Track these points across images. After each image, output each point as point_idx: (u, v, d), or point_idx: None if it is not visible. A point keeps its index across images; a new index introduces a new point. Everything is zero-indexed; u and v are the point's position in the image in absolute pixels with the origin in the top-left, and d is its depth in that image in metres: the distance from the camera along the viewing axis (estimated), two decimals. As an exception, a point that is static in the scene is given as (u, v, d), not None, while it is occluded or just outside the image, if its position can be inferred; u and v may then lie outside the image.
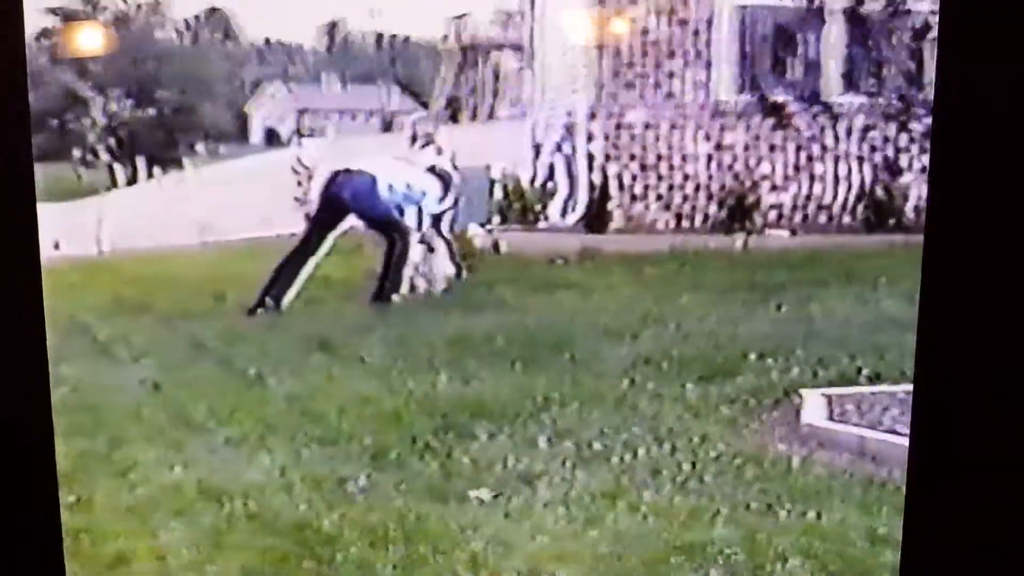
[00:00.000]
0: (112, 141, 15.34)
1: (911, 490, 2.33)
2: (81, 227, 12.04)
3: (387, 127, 20.00)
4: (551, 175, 14.01)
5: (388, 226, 10.96)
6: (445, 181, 11.64)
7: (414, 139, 12.60)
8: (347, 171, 11.29)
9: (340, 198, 11.05)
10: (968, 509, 2.21)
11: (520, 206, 13.55)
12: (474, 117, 19.01)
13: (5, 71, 2.35)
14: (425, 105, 20.22)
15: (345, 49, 20.50)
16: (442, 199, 11.42)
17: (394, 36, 19.92)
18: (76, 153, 15.26)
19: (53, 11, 16.78)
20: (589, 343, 8.78)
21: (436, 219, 11.37)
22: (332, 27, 20.30)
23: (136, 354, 8.79)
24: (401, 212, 11.15)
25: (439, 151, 12.11)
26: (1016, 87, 2.00)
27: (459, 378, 8.06)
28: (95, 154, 15.21)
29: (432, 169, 11.65)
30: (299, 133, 19.98)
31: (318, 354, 8.67)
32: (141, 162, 16.44)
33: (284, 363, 8.46)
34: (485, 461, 6.73)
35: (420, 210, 11.31)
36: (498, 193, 13.60)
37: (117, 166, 15.32)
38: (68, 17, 16.77)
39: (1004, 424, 2.15)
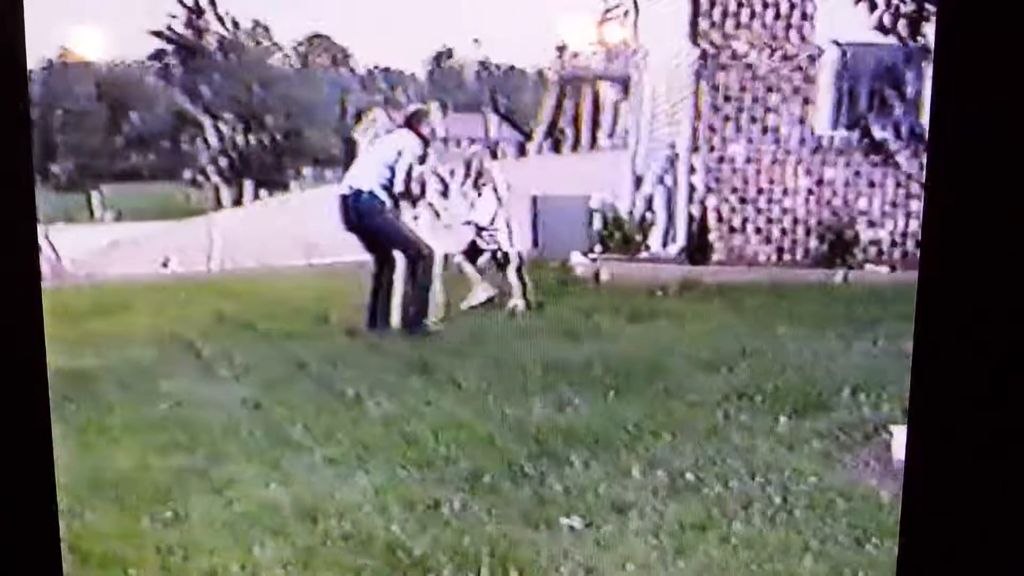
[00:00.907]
0: (223, 163, 15.64)
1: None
2: (191, 246, 12.29)
3: (493, 155, 20.14)
4: (650, 206, 14.04)
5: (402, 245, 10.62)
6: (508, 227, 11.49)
7: (467, 175, 12.29)
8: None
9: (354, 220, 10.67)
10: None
11: (620, 236, 13.58)
12: (575, 147, 19.10)
13: (5, 77, 2.42)
14: (526, 134, 20.35)
15: (449, 77, 20.69)
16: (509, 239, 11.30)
17: (498, 65, 20.08)
18: (187, 174, 15.57)
19: (157, 34, 17.14)
20: (684, 373, 8.79)
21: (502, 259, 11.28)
22: (438, 56, 20.51)
23: (238, 372, 8.96)
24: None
25: (497, 192, 11.82)
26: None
27: (554, 404, 8.11)
28: (205, 175, 15.51)
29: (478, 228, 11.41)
30: (402, 159, 20.16)
31: (416, 377, 8.79)
32: (248, 184, 16.74)
33: (382, 385, 8.57)
34: (578, 488, 6.75)
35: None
36: (597, 223, 13.66)
37: (224, 187, 15.60)
38: (177, 42, 17.14)
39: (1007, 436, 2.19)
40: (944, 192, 2.21)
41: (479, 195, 12.01)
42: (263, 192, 16.90)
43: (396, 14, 15.78)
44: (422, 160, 10.75)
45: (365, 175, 10.49)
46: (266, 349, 9.60)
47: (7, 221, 2.42)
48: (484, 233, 11.77)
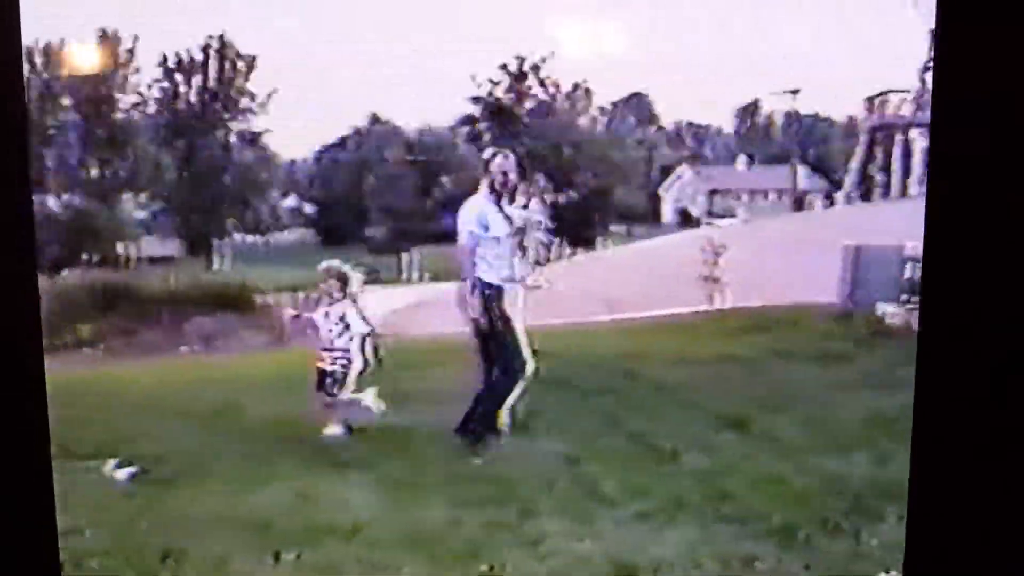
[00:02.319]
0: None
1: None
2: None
3: (798, 206, 19.85)
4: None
5: None
6: None
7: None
8: None
9: None
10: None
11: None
12: (886, 194, 18.61)
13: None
14: (835, 184, 19.97)
15: (757, 129, 20.54)
16: None
17: (806, 115, 19.81)
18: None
19: (475, 100, 17.58)
20: None
21: None
22: (748, 108, 20.39)
23: (550, 427, 8.98)
24: None
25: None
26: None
27: (873, 459, 7.84)
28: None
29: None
30: (710, 213, 20.11)
31: (728, 432, 8.64)
32: (554, 243, 16.96)
33: (695, 439, 8.46)
34: (893, 543, 6.51)
35: None
36: (909, 271, 13.22)
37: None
38: (491, 106, 17.59)
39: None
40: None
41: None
42: (567, 250, 17.08)
43: (703, 70, 15.70)
44: None
45: None
46: (577, 404, 9.60)
47: (5, 222, 2.49)
48: None
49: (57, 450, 7.99)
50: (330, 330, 9.34)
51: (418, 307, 15.65)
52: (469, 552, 6.77)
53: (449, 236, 9.56)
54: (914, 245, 13.66)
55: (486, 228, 8.89)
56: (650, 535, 6.91)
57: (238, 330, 15.45)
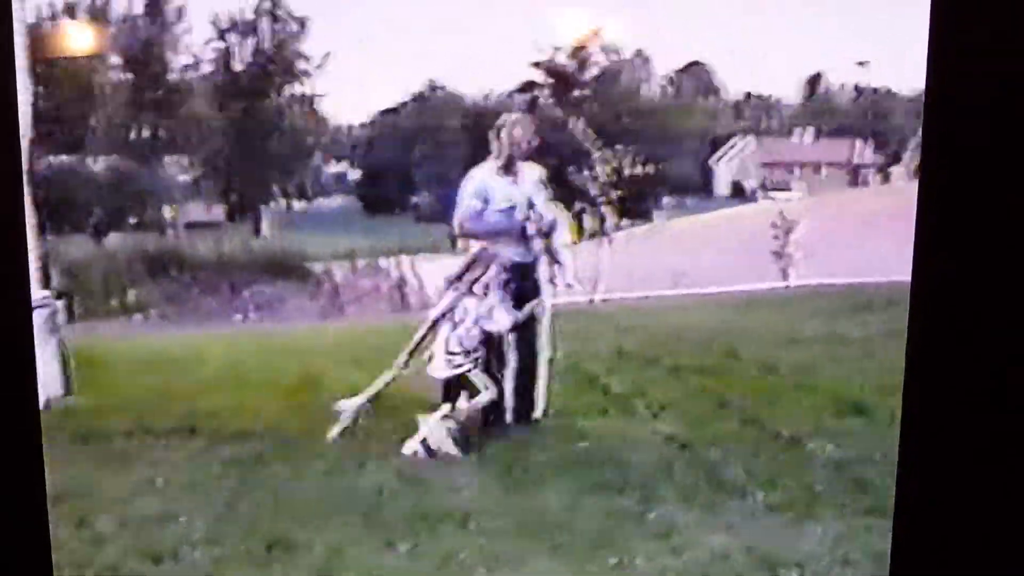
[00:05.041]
0: (610, 193, 15.51)
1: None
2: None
3: (853, 180, 19.40)
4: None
5: None
6: None
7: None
8: None
9: None
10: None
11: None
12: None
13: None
14: (895, 157, 19.55)
15: (820, 101, 20.06)
16: None
17: (875, 89, 19.32)
18: (576, 206, 15.47)
19: (536, 64, 17.14)
20: None
21: None
22: (813, 79, 19.92)
23: (655, 410, 8.53)
24: None
25: None
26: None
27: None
28: (593, 204, 15.39)
29: None
30: (764, 187, 19.67)
31: (852, 418, 8.18)
32: (609, 213, 16.54)
33: (817, 425, 8.01)
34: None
35: None
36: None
37: (608, 218, 15.44)
38: (554, 73, 17.13)
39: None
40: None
41: None
42: (626, 222, 16.67)
43: (767, 40, 15.25)
44: None
45: None
46: (678, 385, 9.15)
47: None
48: None
49: (136, 427, 7.63)
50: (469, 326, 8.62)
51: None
52: (595, 544, 6.38)
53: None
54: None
55: (486, 201, 8.36)
56: (786, 528, 6.51)
57: (291, 299, 15.10)
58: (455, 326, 8.44)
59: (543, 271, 8.52)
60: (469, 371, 8.25)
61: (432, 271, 14.45)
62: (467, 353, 8.29)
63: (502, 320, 8.40)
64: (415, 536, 6.45)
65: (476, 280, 8.48)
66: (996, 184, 2.21)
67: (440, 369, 8.33)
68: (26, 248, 2.54)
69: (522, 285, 8.47)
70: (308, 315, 14.24)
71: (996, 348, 2.40)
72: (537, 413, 8.36)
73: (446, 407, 8.10)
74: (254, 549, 6.30)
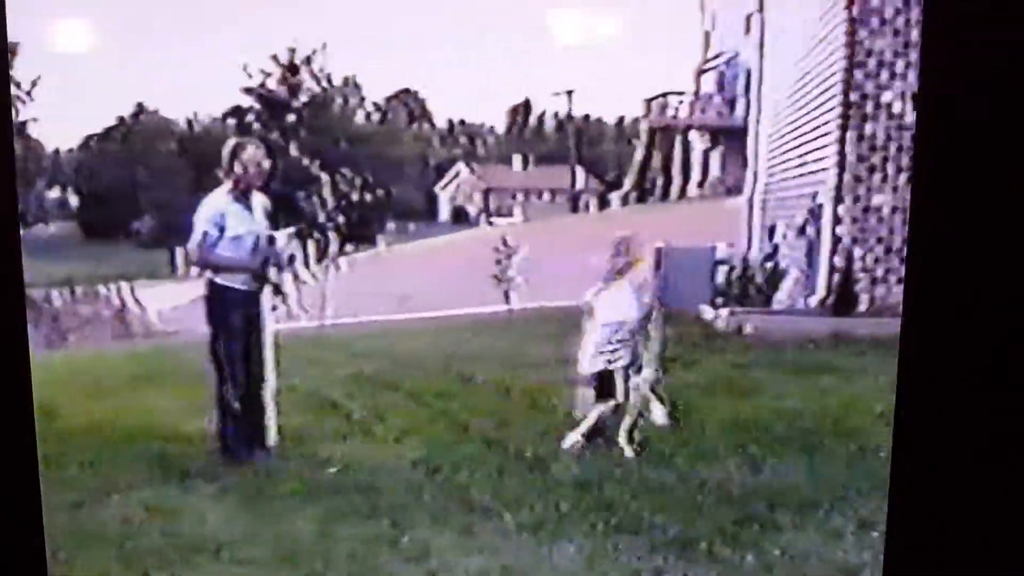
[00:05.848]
0: (338, 219, 15.43)
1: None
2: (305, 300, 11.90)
3: (574, 207, 19.84)
4: (773, 256, 13.66)
5: None
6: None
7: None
8: None
9: None
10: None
11: (750, 287, 13.17)
12: (664, 197, 18.80)
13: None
14: (611, 185, 20.07)
15: (531, 129, 20.44)
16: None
17: (586, 116, 19.79)
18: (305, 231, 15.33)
19: (247, 91, 16.91)
20: (874, 430, 8.27)
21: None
22: (519, 108, 20.29)
23: (398, 435, 8.50)
24: None
25: None
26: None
27: (748, 466, 7.67)
28: (322, 231, 15.28)
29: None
30: (486, 212, 19.92)
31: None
32: (334, 238, 16.47)
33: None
34: (796, 553, 6.39)
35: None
36: (721, 275, 13.26)
37: (332, 244, 15.35)
38: (269, 99, 16.91)
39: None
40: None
41: None
42: (350, 247, 16.65)
43: (477, 68, 15.49)
44: None
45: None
46: (418, 409, 9.14)
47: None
48: None
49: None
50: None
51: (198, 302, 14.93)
52: (351, 571, 6.32)
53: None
54: (727, 248, 13.74)
55: (222, 229, 8.16)
56: (539, 548, 6.58)
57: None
58: None
59: (267, 300, 8.30)
60: None
61: (154, 296, 14.09)
62: None
63: None
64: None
65: None
66: (996, 184, 2.22)
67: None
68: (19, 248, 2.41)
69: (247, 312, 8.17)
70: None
71: (989, 353, 2.43)
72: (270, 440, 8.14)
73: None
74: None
